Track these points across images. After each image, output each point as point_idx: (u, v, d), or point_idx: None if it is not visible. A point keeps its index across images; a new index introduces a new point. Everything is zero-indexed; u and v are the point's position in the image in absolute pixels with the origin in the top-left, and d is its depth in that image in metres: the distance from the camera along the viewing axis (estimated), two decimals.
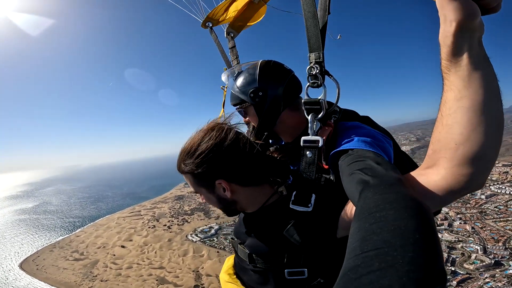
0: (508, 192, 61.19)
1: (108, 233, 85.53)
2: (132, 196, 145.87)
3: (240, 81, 1.41)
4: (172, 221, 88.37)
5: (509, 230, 50.04)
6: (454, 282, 39.44)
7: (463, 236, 50.46)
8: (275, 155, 1.25)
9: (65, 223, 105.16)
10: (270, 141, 1.59)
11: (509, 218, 53.55)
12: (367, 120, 1.31)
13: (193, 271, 57.66)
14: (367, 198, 0.64)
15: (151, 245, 72.51)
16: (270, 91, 1.35)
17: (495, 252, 44.86)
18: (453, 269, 42.35)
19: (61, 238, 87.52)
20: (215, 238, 71.78)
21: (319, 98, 1.16)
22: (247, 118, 1.47)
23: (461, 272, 41.61)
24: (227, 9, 2.00)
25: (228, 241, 66.25)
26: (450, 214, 57.17)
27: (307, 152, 1.09)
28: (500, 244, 46.22)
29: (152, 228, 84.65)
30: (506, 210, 56.54)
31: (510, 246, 45.74)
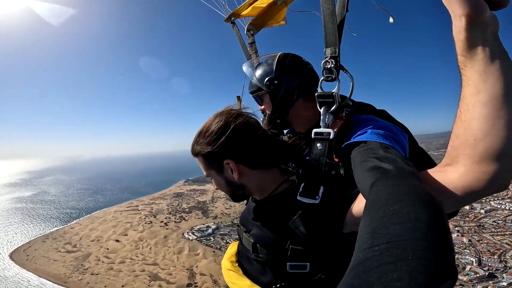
0: (507, 208, 61.03)
1: (103, 226, 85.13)
2: (131, 190, 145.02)
3: (259, 71, 1.49)
4: (170, 218, 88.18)
5: (506, 243, 50.04)
6: None
7: (459, 248, 50.29)
8: (287, 140, 1.25)
9: (61, 214, 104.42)
10: (285, 131, 1.66)
11: (507, 233, 53.50)
12: (383, 114, 1.32)
13: (187, 269, 57.43)
14: (378, 190, 0.63)
15: (146, 240, 72.19)
16: (285, 81, 1.41)
17: (489, 264, 44.79)
18: None
19: (55, 229, 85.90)
20: (211, 238, 71.40)
21: (332, 91, 1.18)
22: (263, 106, 1.55)
23: None
24: (250, 5, 2.11)
25: (224, 241, 66.47)
26: None
27: (318, 144, 1.10)
28: (496, 257, 46.20)
29: (148, 223, 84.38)
30: (505, 224, 56.54)
31: (505, 259, 45.72)
